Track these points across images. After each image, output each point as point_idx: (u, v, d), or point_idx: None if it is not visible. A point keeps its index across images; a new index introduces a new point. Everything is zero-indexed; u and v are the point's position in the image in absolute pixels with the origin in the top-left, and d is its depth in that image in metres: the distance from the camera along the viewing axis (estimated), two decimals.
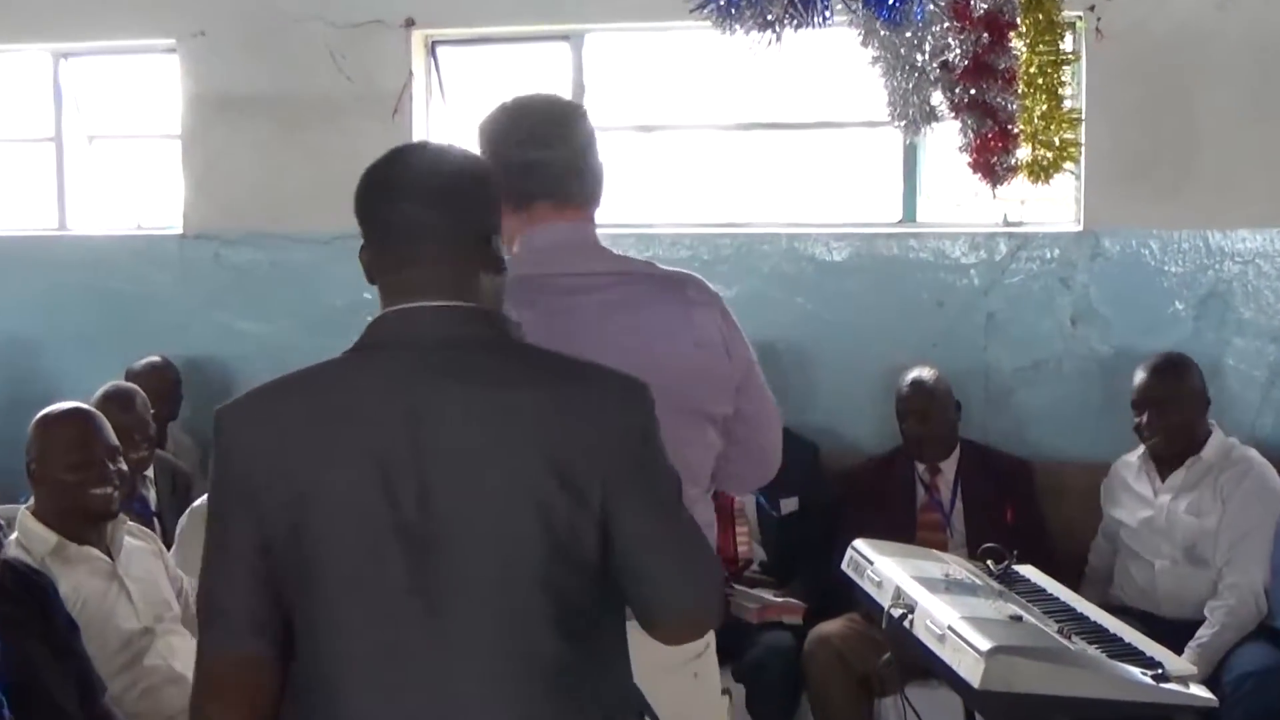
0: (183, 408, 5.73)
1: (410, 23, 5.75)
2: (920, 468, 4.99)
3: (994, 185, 4.02)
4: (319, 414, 2.00)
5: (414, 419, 1.94)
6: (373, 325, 2.07)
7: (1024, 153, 4.04)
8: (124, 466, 3.77)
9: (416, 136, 5.76)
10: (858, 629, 4.53)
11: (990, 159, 3.89)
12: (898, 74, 3.70)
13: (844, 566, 3.47)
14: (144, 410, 4.74)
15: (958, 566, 3.38)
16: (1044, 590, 3.44)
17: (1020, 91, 3.95)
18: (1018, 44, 3.98)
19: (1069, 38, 4.61)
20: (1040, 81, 4.04)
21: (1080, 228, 5.30)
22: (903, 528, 4.65)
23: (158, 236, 6.19)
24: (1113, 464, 4.84)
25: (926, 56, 3.73)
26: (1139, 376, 4.69)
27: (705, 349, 2.55)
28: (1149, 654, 3.00)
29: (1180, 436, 4.62)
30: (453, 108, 5.88)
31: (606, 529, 1.95)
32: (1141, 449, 4.73)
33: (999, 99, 3.82)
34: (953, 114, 3.89)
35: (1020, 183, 4.15)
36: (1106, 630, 3.17)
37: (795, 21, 3.33)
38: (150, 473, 4.93)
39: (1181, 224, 5.18)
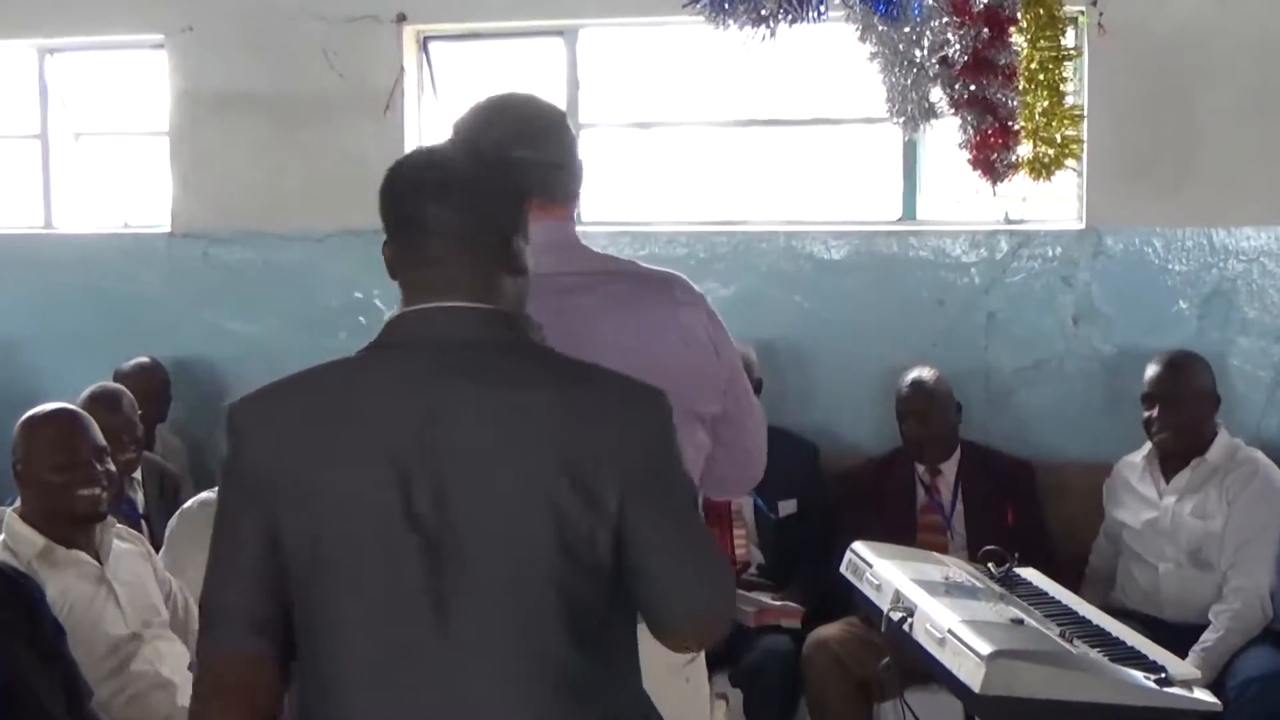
0: (172, 409, 5.73)
1: (402, 18, 5.75)
2: (920, 469, 4.99)
3: (994, 182, 4.02)
4: (334, 412, 2.01)
5: (430, 419, 1.95)
6: (391, 324, 2.08)
7: (1025, 149, 4.04)
8: (111, 467, 3.76)
9: (408, 134, 5.77)
10: (857, 633, 4.53)
11: (990, 156, 3.89)
12: (896, 70, 3.71)
13: (843, 569, 3.47)
14: (131, 411, 4.74)
15: (958, 569, 3.38)
16: (1046, 593, 3.44)
17: (1021, 87, 3.95)
18: (1018, 39, 3.99)
19: (1070, 33, 4.61)
20: (1041, 77, 4.04)
21: (1082, 225, 5.31)
22: (902, 530, 4.65)
23: (146, 235, 6.19)
24: (1115, 464, 4.85)
25: (925, 52, 3.73)
26: (1151, 370, 4.70)
27: (694, 349, 2.57)
28: (1152, 658, 3.00)
29: (1189, 434, 4.62)
30: (445, 104, 5.87)
31: (620, 534, 1.97)
32: (1145, 449, 4.74)
33: (999, 95, 3.82)
34: (952, 110, 3.89)
35: (1021, 180, 4.16)
36: (1109, 634, 3.17)
37: (789, 16, 3.34)
38: (138, 475, 4.94)
39: (1185, 221, 5.19)
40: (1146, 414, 4.67)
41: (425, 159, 2.13)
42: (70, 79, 6.36)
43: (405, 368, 2.01)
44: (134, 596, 3.73)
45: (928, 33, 3.70)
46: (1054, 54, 4.08)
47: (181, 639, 3.87)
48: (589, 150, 5.63)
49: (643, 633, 2.10)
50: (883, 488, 5.00)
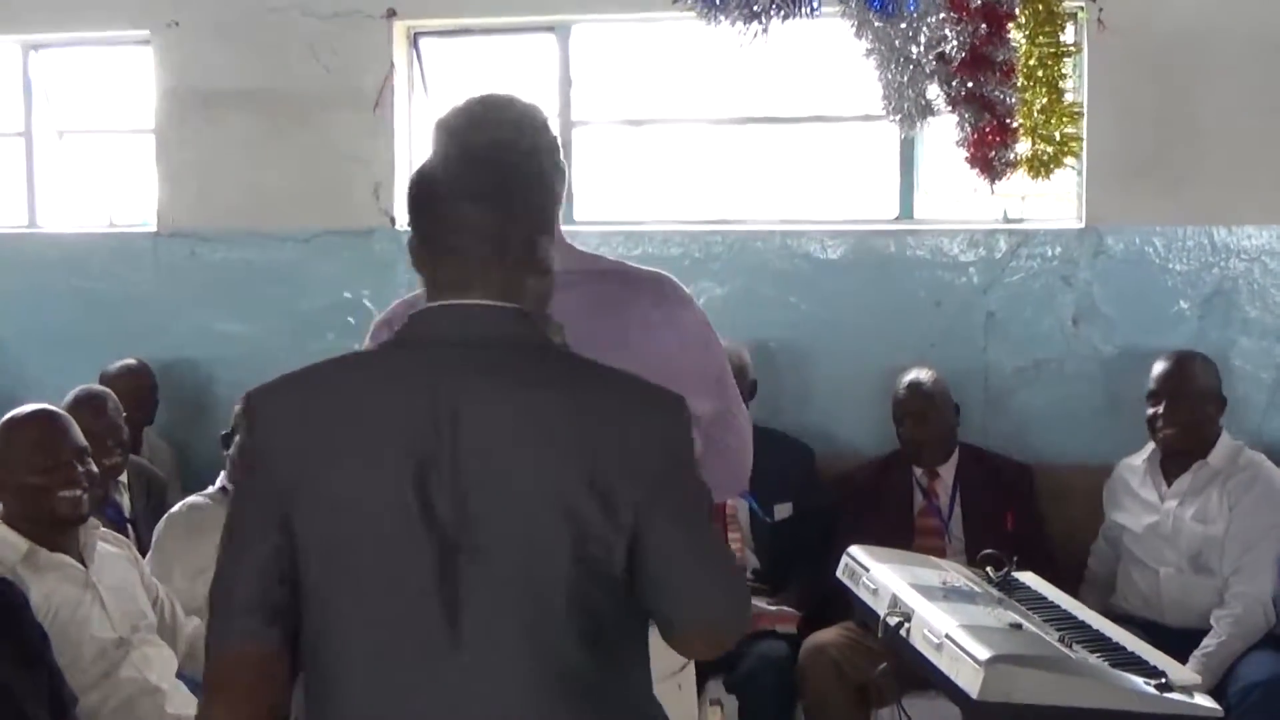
0: (158, 411, 5.72)
1: (391, 13, 5.75)
2: (918, 472, 4.99)
3: (993, 181, 4.03)
4: (354, 405, 2.03)
5: (451, 417, 1.97)
6: (413, 319, 2.10)
7: (1023, 147, 4.05)
8: (93, 468, 3.75)
9: (398, 131, 5.77)
10: (854, 638, 4.53)
11: (988, 154, 3.90)
12: (892, 66, 3.71)
13: (839, 573, 3.47)
14: (116, 414, 4.74)
15: (956, 573, 3.39)
16: (1044, 598, 3.45)
17: (1019, 84, 3.96)
18: (1016, 35, 3.99)
19: (1070, 29, 4.63)
20: (1040, 74, 4.05)
21: (1082, 224, 5.31)
22: (900, 533, 4.65)
23: (131, 234, 6.18)
24: (1115, 467, 4.85)
25: (922, 48, 3.73)
26: (1158, 367, 4.71)
27: (686, 348, 2.60)
28: (1152, 663, 3.01)
29: (1194, 432, 4.63)
30: (436, 101, 5.87)
31: (635, 540, 1.98)
32: (1146, 452, 4.74)
33: (997, 92, 3.83)
34: (950, 107, 3.90)
35: (1020, 178, 4.16)
36: (1109, 639, 3.18)
37: (783, 13, 3.34)
38: (124, 479, 4.94)
39: (1186, 220, 5.19)
40: (1152, 410, 4.67)
41: (455, 155, 2.14)
42: (54, 75, 6.36)
43: (427, 364, 2.03)
44: (120, 601, 3.73)
45: (924, 29, 3.70)
46: (1053, 50, 4.09)
47: (169, 644, 3.87)
48: (582, 148, 5.66)
49: None
50: (880, 491, 5.00)
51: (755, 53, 3.73)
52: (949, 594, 3.14)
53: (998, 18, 3.82)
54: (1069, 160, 4.18)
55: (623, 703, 2.06)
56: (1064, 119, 4.10)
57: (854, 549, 3.47)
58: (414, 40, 5.91)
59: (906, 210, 5.55)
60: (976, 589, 3.30)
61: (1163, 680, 2.87)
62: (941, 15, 3.72)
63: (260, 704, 2.02)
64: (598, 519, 1.95)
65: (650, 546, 1.98)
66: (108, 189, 6.45)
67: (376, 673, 1.98)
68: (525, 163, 2.16)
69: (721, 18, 3.39)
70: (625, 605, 2.02)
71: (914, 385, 5.01)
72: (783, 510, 5.00)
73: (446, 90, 5.87)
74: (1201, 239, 5.19)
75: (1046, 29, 4.07)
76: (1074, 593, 3.81)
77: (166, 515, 4.36)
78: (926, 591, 3.12)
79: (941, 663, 2.84)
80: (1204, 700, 2.89)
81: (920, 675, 3.03)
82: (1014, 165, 4.02)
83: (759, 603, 4.76)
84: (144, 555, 4.19)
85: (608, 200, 5.80)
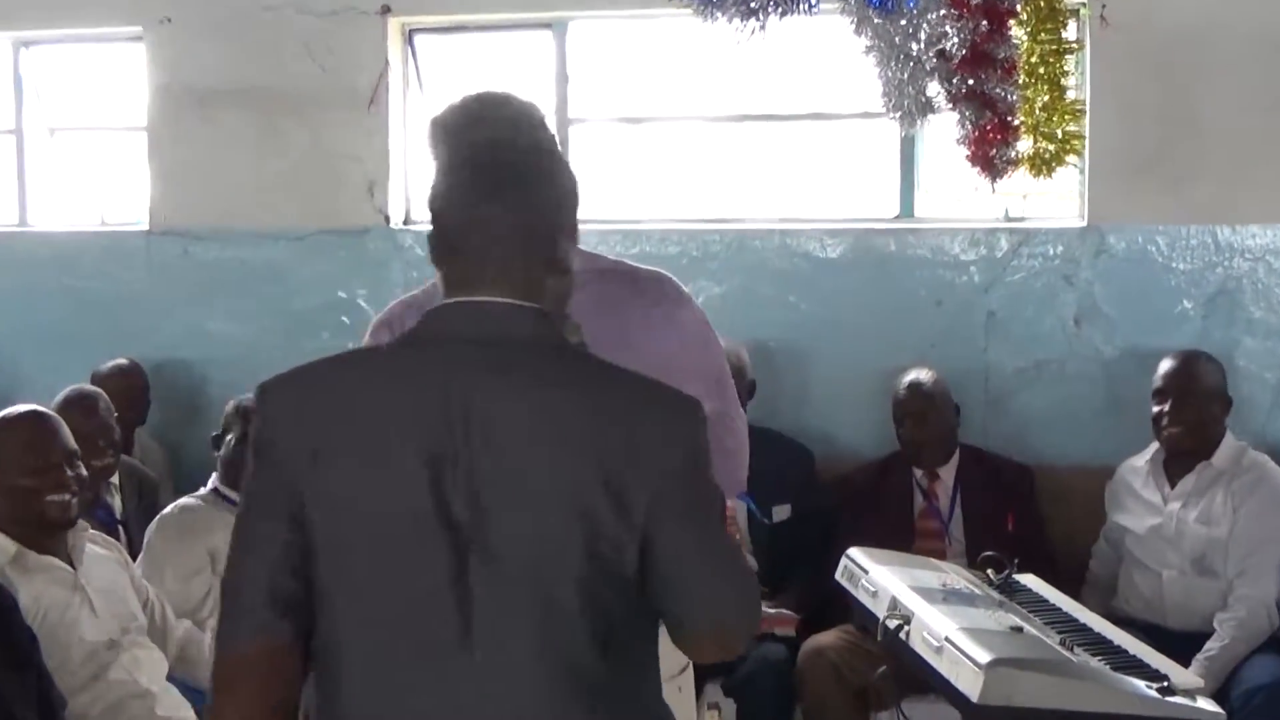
0: (150, 412, 5.72)
1: (386, 10, 5.75)
2: (918, 473, 4.99)
3: (994, 179, 4.03)
4: (369, 400, 2.03)
5: (466, 416, 1.97)
6: (429, 316, 2.10)
7: (1025, 145, 4.05)
8: (83, 471, 3.74)
9: (393, 129, 5.77)
10: (853, 641, 4.53)
11: (989, 152, 3.90)
12: (892, 63, 3.71)
13: (838, 576, 3.47)
14: (108, 415, 4.74)
15: (956, 576, 3.38)
16: (1046, 600, 3.44)
17: (1021, 82, 3.96)
18: (1018, 32, 4.00)
19: (1072, 26, 4.62)
20: (1042, 71, 4.06)
21: (1084, 223, 5.31)
22: (900, 535, 4.64)
23: (123, 233, 6.18)
24: (1118, 468, 4.85)
25: (922, 45, 3.74)
26: (1165, 365, 4.71)
27: (688, 348, 2.62)
28: (1154, 666, 3.00)
29: (1199, 432, 4.63)
30: (431, 99, 5.87)
31: (647, 540, 1.98)
32: (1149, 453, 4.74)
33: (998, 89, 3.83)
34: (950, 105, 3.90)
35: (1021, 176, 4.16)
36: (1110, 642, 3.17)
37: (780, 9, 3.34)
38: (116, 480, 4.93)
39: (1189, 219, 5.19)
40: (1157, 409, 4.67)
41: (479, 149, 2.14)
42: (46, 72, 6.35)
43: (442, 361, 2.03)
44: (109, 603, 3.72)
45: (924, 25, 3.70)
46: (1055, 47, 4.09)
47: (160, 647, 3.86)
48: (579, 146, 5.66)
49: None
50: (879, 492, 5.00)
51: (754, 49, 3.73)
52: (949, 596, 3.14)
53: (999, 14, 3.82)
54: (1071, 158, 4.18)
55: (634, 704, 2.07)
56: (1066, 117, 4.10)
57: (853, 551, 3.46)
58: (409, 37, 5.91)
59: (907, 209, 5.55)
60: (977, 591, 3.29)
61: (1165, 684, 2.86)
62: (942, 12, 3.73)
63: (271, 698, 2.02)
64: (611, 519, 1.96)
65: (662, 546, 1.99)
66: (99, 187, 6.45)
67: (387, 670, 1.98)
68: (532, 160, 2.15)
69: (718, 14, 3.39)
70: (637, 606, 2.03)
71: (914, 386, 5.01)
72: (781, 512, 5.00)
73: (442, 88, 5.87)
74: (1205, 238, 5.19)
75: (1048, 26, 4.07)
76: (1075, 595, 3.80)
77: (158, 517, 4.36)
78: (926, 594, 3.11)
79: (941, 666, 2.84)
80: (1207, 704, 2.89)
81: (920, 679, 3.02)
82: (1015, 163, 4.02)
83: None
84: (135, 557, 4.19)
85: (605, 198, 5.80)
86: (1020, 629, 2.99)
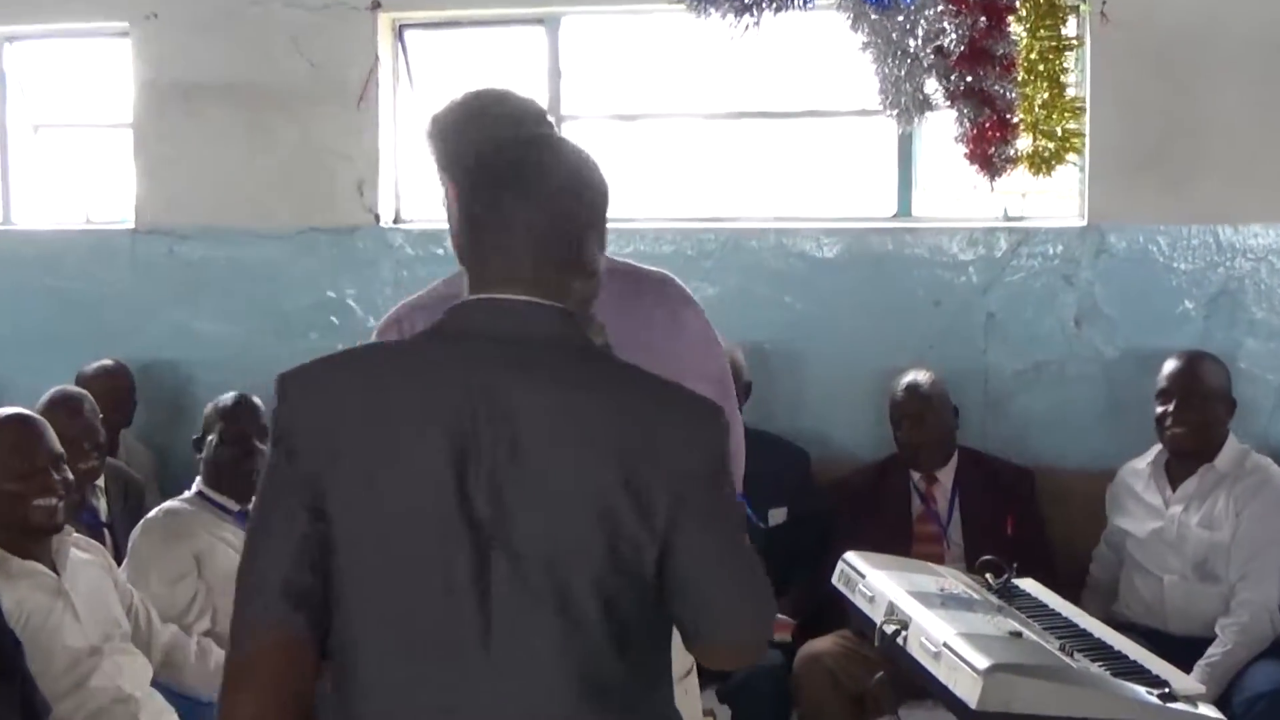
0: (136, 413, 5.72)
1: (377, 5, 5.74)
2: (916, 476, 4.99)
3: (992, 178, 4.03)
4: (392, 395, 2.04)
5: (489, 413, 1.99)
6: (454, 311, 2.11)
7: (1024, 143, 4.05)
8: (69, 475, 3.74)
9: (383, 126, 5.76)
10: (850, 646, 4.53)
11: (988, 150, 3.90)
12: (889, 60, 3.71)
13: (835, 580, 3.47)
14: (93, 416, 4.73)
15: (954, 580, 3.39)
16: (1045, 605, 3.45)
17: (1020, 79, 3.96)
18: (1017, 28, 3.99)
19: (1072, 22, 4.61)
20: (1041, 68, 4.05)
21: (1084, 223, 5.31)
22: (897, 539, 4.64)
23: (108, 231, 6.17)
24: (1119, 471, 4.85)
25: (920, 41, 3.73)
26: (1169, 365, 4.71)
27: (693, 348, 2.65)
28: (1155, 672, 3.01)
29: (1203, 433, 4.63)
30: (421, 96, 5.87)
31: (666, 545, 2.00)
32: (1151, 455, 4.74)
33: (997, 86, 3.83)
34: (948, 102, 3.90)
35: (1020, 175, 4.16)
36: (1111, 647, 3.18)
37: (774, 5, 3.34)
38: (101, 482, 4.92)
39: (1191, 218, 5.19)
40: (1161, 409, 4.67)
41: (510, 149, 2.16)
42: (30, 68, 6.35)
43: (465, 357, 2.04)
44: (93, 609, 3.72)
45: (922, 21, 3.70)
46: (1054, 44, 4.09)
47: (144, 653, 3.86)
48: None
49: None
50: (877, 495, 5.00)
51: (749, 46, 3.73)
52: (947, 601, 3.14)
53: (997, 10, 3.82)
54: (1071, 157, 4.18)
55: (647, 707, 2.09)
56: (1065, 114, 4.10)
57: (850, 555, 3.47)
58: (399, 33, 5.90)
59: (904, 208, 5.55)
60: (975, 596, 3.29)
61: (1166, 690, 2.87)
62: (940, 8, 3.72)
63: (286, 691, 2.03)
64: (632, 520, 1.98)
65: (681, 552, 2.01)
66: (84, 185, 6.45)
67: (405, 666, 2.00)
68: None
69: (712, 10, 3.39)
70: (654, 610, 2.05)
71: (912, 387, 5.00)
72: (777, 515, 5.00)
73: (433, 85, 5.87)
74: (1207, 238, 5.19)
75: (1047, 22, 4.07)
76: (1075, 600, 3.81)
77: (142, 521, 4.35)
78: (924, 599, 3.12)
79: (939, 672, 2.84)
80: (1208, 711, 2.90)
81: (918, 684, 3.03)
82: (1014, 162, 4.02)
83: None
84: (120, 561, 4.18)
85: None
86: (1019, 634, 2.99)
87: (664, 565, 2.01)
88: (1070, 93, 4.19)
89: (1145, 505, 4.70)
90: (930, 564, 3.70)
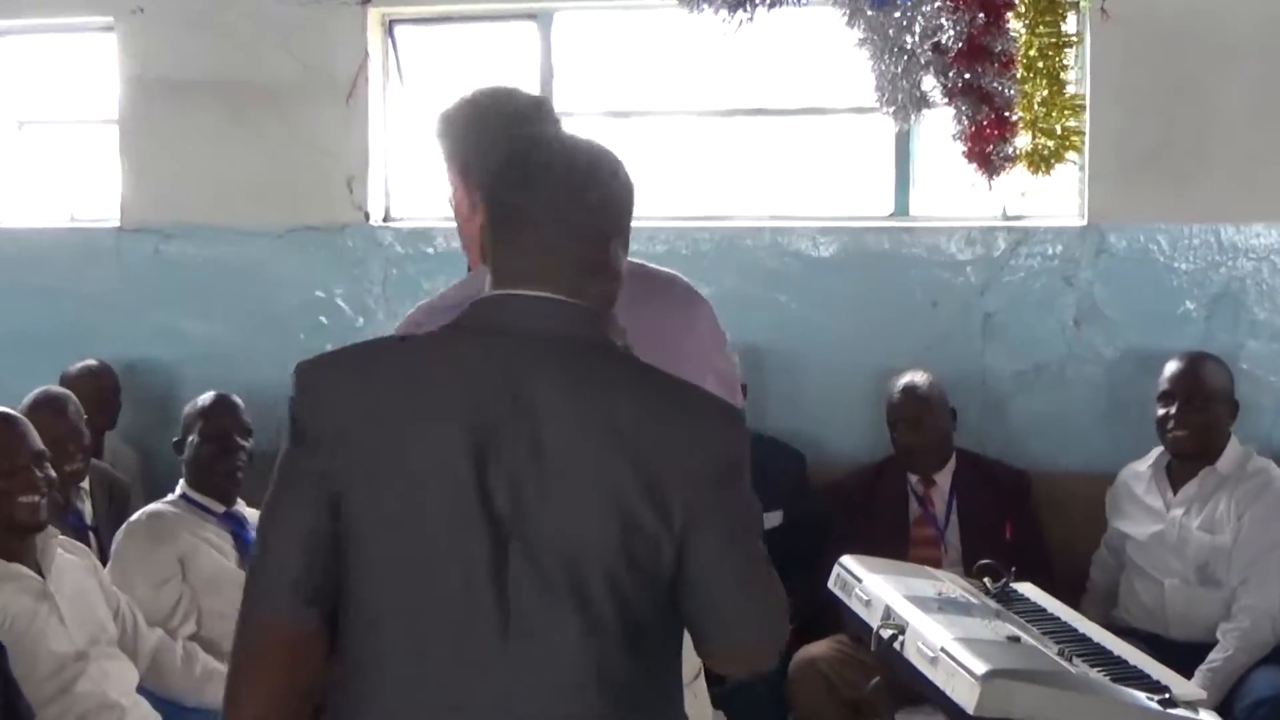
0: (121, 415, 5.71)
1: (366, 0, 5.74)
2: (913, 479, 4.99)
3: (991, 176, 4.04)
4: (411, 388, 2.05)
5: (511, 410, 2.00)
6: (476, 306, 2.12)
7: (1023, 141, 4.06)
8: (52, 473, 3.74)
9: (373, 123, 5.76)
10: (846, 651, 4.53)
11: (986, 148, 3.91)
12: (886, 57, 3.71)
13: (831, 584, 3.48)
14: (77, 417, 4.72)
15: (952, 584, 3.39)
16: (1044, 610, 3.45)
17: (1019, 76, 3.97)
18: (1016, 25, 4.01)
19: (1071, 18, 4.63)
20: (1040, 65, 4.06)
21: (1084, 222, 5.31)
22: (894, 543, 4.65)
23: (94, 230, 6.17)
24: (1119, 473, 4.85)
25: (917, 38, 3.74)
26: (1171, 367, 4.72)
27: (703, 346, 2.67)
28: (1155, 677, 3.01)
29: (1205, 435, 4.63)
30: (411, 92, 5.87)
31: (683, 547, 2.01)
32: (1151, 457, 4.74)
33: (995, 84, 3.84)
34: (946, 100, 3.90)
35: (1019, 174, 4.17)
36: (1110, 652, 3.18)
37: (769, 1, 3.34)
38: (86, 484, 4.92)
39: (1192, 218, 5.20)
40: (1162, 411, 4.67)
41: (542, 147, 2.18)
42: (14, 63, 6.34)
43: (485, 352, 2.05)
44: (79, 612, 3.71)
45: (919, 18, 3.71)
46: (1054, 40, 4.10)
47: (130, 657, 3.86)
48: None
49: None
50: (873, 498, 5.00)
51: (744, 42, 3.74)
52: (944, 605, 3.14)
53: (996, 6, 3.82)
54: (1070, 155, 4.19)
55: (658, 708, 2.11)
56: (1065, 112, 4.11)
57: (846, 559, 3.47)
58: (389, 28, 5.90)
59: (901, 207, 5.55)
60: (973, 600, 3.30)
61: (1166, 696, 2.87)
62: (937, 4, 3.73)
63: (294, 684, 2.05)
64: (649, 519, 1.99)
65: (696, 556, 2.02)
66: (69, 182, 6.44)
67: (422, 660, 2.01)
68: (612, 163, 2.19)
69: (705, 6, 3.39)
70: (668, 612, 2.06)
71: (909, 389, 5.00)
72: (772, 519, 4.99)
73: (423, 81, 5.87)
74: (1208, 237, 5.20)
75: (1047, 18, 4.08)
76: (1074, 604, 3.81)
77: (126, 523, 4.35)
78: (921, 603, 3.12)
79: (936, 677, 2.84)
80: (1209, 717, 2.90)
81: (914, 690, 3.03)
82: (1013, 160, 4.02)
83: None
84: (105, 563, 4.18)
85: None
86: (1018, 639, 2.99)
87: (679, 568, 2.02)
88: (1070, 90, 4.20)
89: (1146, 508, 4.71)
90: (927, 568, 3.71)
